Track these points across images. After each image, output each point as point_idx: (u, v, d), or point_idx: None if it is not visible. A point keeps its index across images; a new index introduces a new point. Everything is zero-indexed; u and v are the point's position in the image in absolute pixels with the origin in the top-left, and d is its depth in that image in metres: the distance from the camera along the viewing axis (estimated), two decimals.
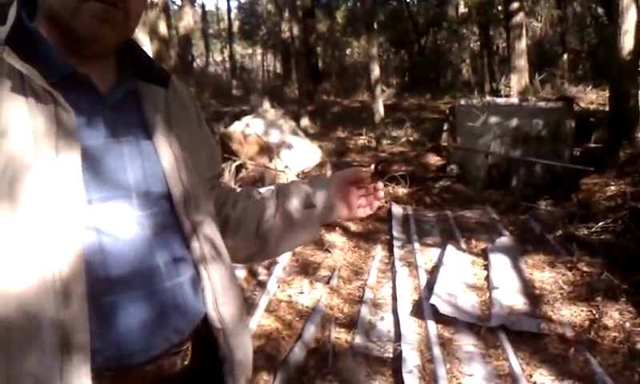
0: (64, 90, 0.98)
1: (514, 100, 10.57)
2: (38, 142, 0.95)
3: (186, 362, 1.12)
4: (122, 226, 1.02)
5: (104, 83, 1.08)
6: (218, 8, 33.47)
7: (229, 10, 29.94)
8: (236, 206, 1.37)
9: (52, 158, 0.95)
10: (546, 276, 5.04)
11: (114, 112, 1.07)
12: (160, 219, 1.09)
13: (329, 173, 9.26)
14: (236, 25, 31.53)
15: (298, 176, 9.21)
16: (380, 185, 1.45)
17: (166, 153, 1.12)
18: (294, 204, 1.38)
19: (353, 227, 6.52)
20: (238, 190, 1.44)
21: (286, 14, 18.18)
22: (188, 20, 15.32)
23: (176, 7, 20.42)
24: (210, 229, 1.19)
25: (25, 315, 0.91)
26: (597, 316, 4.20)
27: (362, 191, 1.45)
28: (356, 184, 1.44)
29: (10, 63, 0.95)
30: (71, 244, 0.94)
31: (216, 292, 1.16)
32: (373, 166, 10.32)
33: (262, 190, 1.46)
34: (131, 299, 1.01)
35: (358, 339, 3.99)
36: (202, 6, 30.07)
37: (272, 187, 1.45)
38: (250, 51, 34.40)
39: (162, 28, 9.71)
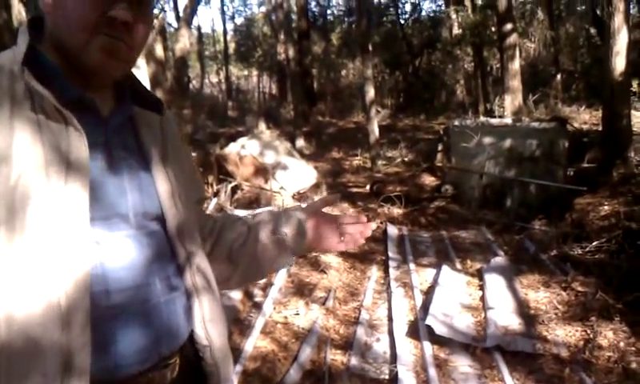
0: (72, 112, 1.02)
1: (508, 120, 10.64)
2: (48, 161, 0.98)
3: (174, 375, 1.16)
4: (121, 245, 1.06)
5: (104, 108, 1.13)
6: (214, 30, 33.73)
7: (225, 32, 30.16)
8: (212, 230, 1.41)
9: (61, 177, 0.99)
10: (541, 296, 5.06)
11: (114, 135, 1.12)
12: (155, 241, 1.13)
13: (324, 193, 9.30)
14: (232, 47, 31.71)
15: (293, 197, 9.23)
16: (372, 225, 1.44)
17: (161, 176, 1.17)
18: (265, 231, 1.40)
19: None
20: (219, 215, 1.48)
21: (282, 36, 18.30)
22: (184, 42, 15.36)
23: (172, 29, 20.53)
24: (201, 256, 1.25)
25: (28, 339, 0.93)
26: (591, 336, 4.22)
27: (347, 222, 1.43)
28: (335, 218, 1.43)
29: (27, 84, 1.00)
30: (76, 264, 0.98)
31: (204, 312, 1.21)
32: (368, 187, 10.37)
33: (242, 215, 1.50)
34: (127, 316, 1.05)
35: (354, 360, 4.00)
36: (199, 28, 30.18)
37: (250, 214, 1.48)
38: (245, 73, 34.51)
39: (159, 50, 9.80)
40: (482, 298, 4.99)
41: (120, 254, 1.06)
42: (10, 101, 0.99)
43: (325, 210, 1.47)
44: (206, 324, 1.21)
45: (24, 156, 0.97)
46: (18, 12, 10.96)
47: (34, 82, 1.00)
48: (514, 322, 4.52)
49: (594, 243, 5.97)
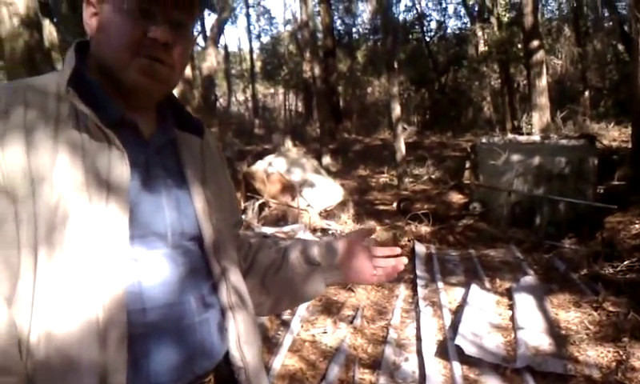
0: (114, 132, 1.06)
1: (536, 138, 10.56)
2: (90, 180, 1.01)
3: None
4: (158, 263, 1.09)
5: (146, 129, 1.16)
6: (240, 49, 33.98)
7: (251, 51, 30.42)
8: (247, 256, 1.43)
9: (102, 197, 1.02)
10: (572, 316, 4.99)
11: (155, 156, 1.15)
12: (191, 260, 1.15)
13: (351, 211, 9.31)
14: (258, 65, 31.98)
15: (320, 214, 9.25)
16: (404, 259, 1.42)
17: (199, 198, 1.19)
18: (299, 259, 1.42)
19: None
20: (254, 240, 1.47)
21: (308, 55, 18.41)
22: (211, 61, 15.57)
23: (199, 48, 20.76)
24: (236, 274, 1.26)
25: (66, 357, 0.96)
26: (624, 357, 4.15)
27: (381, 255, 1.42)
28: (369, 250, 1.42)
29: (72, 104, 1.04)
30: (114, 282, 1.00)
31: (240, 332, 1.22)
32: (395, 205, 10.34)
33: (275, 241, 1.50)
34: (162, 334, 1.06)
35: (383, 380, 3.98)
36: (225, 47, 30.45)
37: (286, 242, 1.48)
38: (271, 91, 34.78)
39: (187, 69, 9.92)
40: (512, 318, 4.94)
41: (157, 272, 1.08)
42: (55, 122, 1.02)
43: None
44: (242, 345, 1.22)
45: (66, 175, 1.00)
46: (49, 33, 11.19)
47: (79, 102, 1.04)
48: (545, 342, 4.47)
49: (625, 262, 5.88)
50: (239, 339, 1.21)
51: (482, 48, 21.21)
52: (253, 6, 29.88)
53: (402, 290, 5.91)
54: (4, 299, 0.95)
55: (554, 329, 4.71)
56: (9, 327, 0.94)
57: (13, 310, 0.96)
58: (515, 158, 9.31)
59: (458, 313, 5.08)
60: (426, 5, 26.09)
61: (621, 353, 4.23)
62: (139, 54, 1.08)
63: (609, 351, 4.31)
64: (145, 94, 1.13)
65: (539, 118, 13.53)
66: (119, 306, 1.00)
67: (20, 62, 6.44)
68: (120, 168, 1.04)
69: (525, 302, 5.18)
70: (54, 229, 0.97)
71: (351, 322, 5.02)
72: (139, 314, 1.04)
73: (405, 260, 1.42)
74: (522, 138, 10.71)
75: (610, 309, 4.98)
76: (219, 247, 1.21)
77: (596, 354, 4.28)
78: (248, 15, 29.54)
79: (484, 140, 10.72)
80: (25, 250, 0.97)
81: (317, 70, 15.67)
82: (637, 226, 6.96)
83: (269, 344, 4.47)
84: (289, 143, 14.89)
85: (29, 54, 6.44)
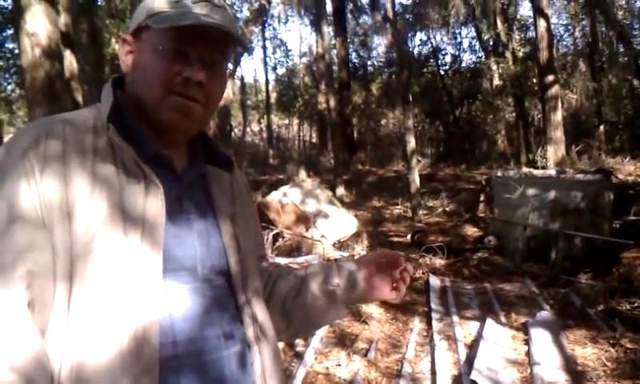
0: (150, 168, 1.09)
1: (552, 172, 10.53)
2: (126, 214, 1.04)
3: None
4: (188, 297, 1.10)
5: (179, 164, 1.20)
6: (256, 80, 34.31)
7: (267, 82, 30.68)
8: (267, 283, 1.43)
9: (138, 231, 1.04)
10: (588, 352, 4.94)
11: (186, 191, 1.18)
12: (218, 294, 1.17)
13: (365, 242, 9.29)
14: (273, 96, 32.24)
15: (334, 245, 9.24)
16: (409, 268, 1.43)
17: (227, 233, 1.21)
18: (318, 283, 1.42)
19: None
20: (273, 267, 1.49)
21: (323, 87, 18.55)
22: (228, 92, 15.73)
23: None
24: (261, 307, 1.28)
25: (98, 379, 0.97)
26: None
27: (395, 274, 1.42)
28: (387, 266, 1.43)
29: (110, 139, 1.08)
30: (147, 314, 1.02)
31: (264, 366, 1.22)
32: (409, 237, 10.32)
33: (294, 267, 1.52)
34: (189, 367, 1.07)
35: None
36: (241, 79, 30.78)
37: (304, 268, 1.49)
38: (286, 121, 35.02)
39: None
40: (528, 353, 4.89)
41: (186, 305, 1.09)
42: (92, 156, 1.05)
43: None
44: (267, 379, 1.22)
45: (102, 209, 1.02)
46: (70, 63, 11.39)
47: (117, 137, 1.08)
48: (561, 379, 4.41)
49: None
50: (264, 373, 1.22)
51: (496, 82, 21.26)
52: (269, 39, 30.18)
53: (417, 323, 5.88)
54: (38, 330, 0.96)
55: (570, 365, 4.65)
56: (43, 358, 0.95)
57: (45, 341, 0.97)
58: (531, 191, 9.29)
59: (473, 347, 5.03)
60: (441, 39, 26.20)
61: None
62: (173, 93, 1.11)
63: None
64: (178, 131, 1.17)
65: (554, 152, 13.51)
66: (151, 339, 1.01)
67: (40, 91, 6.55)
68: (156, 203, 1.07)
69: (541, 337, 5.13)
70: (89, 262, 0.99)
71: (365, 355, 4.99)
72: (170, 347, 1.05)
73: (410, 268, 1.43)
74: (538, 172, 10.69)
75: (628, 345, 4.92)
76: (246, 281, 1.23)
77: None
78: (264, 47, 29.82)
79: (499, 173, 10.72)
80: (60, 281, 0.99)
81: (332, 102, 15.77)
82: None
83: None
84: (303, 174, 14.94)
85: (49, 84, 6.55)
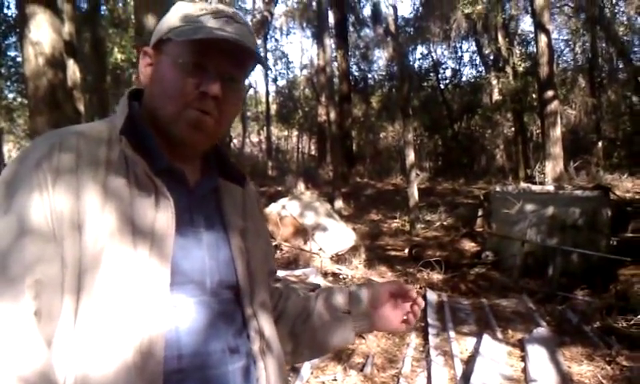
0: (162, 180, 1.10)
1: (550, 188, 10.56)
2: (135, 227, 1.05)
3: None
4: (195, 311, 1.11)
5: (192, 178, 1.20)
6: (256, 91, 34.29)
7: (267, 94, 30.74)
8: (277, 305, 1.44)
9: (147, 244, 1.05)
10: (585, 369, 4.94)
11: (198, 205, 1.19)
12: (226, 307, 1.17)
13: (362, 256, 9.30)
14: (273, 108, 32.26)
15: (331, 258, 9.25)
16: (420, 301, 1.43)
17: (237, 247, 1.22)
18: (328, 308, 1.43)
19: None
20: (282, 288, 1.49)
21: (324, 99, 18.61)
22: None
23: None
24: (268, 322, 1.28)
25: None
26: None
27: (406, 307, 1.43)
28: (398, 297, 1.44)
29: (123, 151, 1.09)
30: (154, 327, 1.03)
31: (270, 381, 1.22)
32: (407, 251, 10.33)
33: (305, 291, 1.52)
34: (194, 381, 1.07)
35: None
36: None
37: (313, 291, 1.50)
38: (285, 133, 35.03)
39: None
40: (524, 370, 4.89)
41: (193, 319, 1.10)
42: (105, 169, 1.07)
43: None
44: None
45: (112, 222, 1.03)
46: (73, 72, 11.43)
47: (130, 150, 1.09)
48: None
49: (639, 316, 5.83)
50: None
51: (496, 96, 21.33)
52: (271, 51, 30.27)
53: (413, 339, 5.87)
54: (44, 342, 0.97)
55: (566, 382, 4.65)
56: (48, 369, 0.96)
57: (51, 352, 0.98)
58: (529, 207, 9.31)
59: (469, 363, 5.03)
60: (442, 53, 26.31)
61: None
62: (189, 107, 1.12)
63: None
64: (189, 145, 1.18)
65: (552, 168, 13.54)
66: (156, 352, 1.02)
67: (43, 99, 6.56)
68: (166, 216, 1.08)
69: (537, 354, 5.13)
70: (97, 274, 1.00)
71: (361, 370, 4.98)
72: (174, 361, 1.05)
73: (422, 302, 1.43)
74: (536, 188, 10.72)
75: (624, 363, 4.92)
76: (253, 295, 1.23)
77: None
78: (266, 59, 29.92)
79: (498, 188, 10.75)
80: (67, 293, 1.00)
81: (332, 115, 15.82)
82: None
83: None
84: (301, 186, 14.98)
85: (52, 93, 6.56)
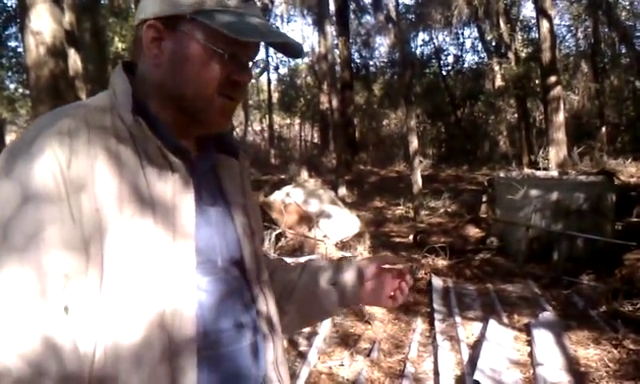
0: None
1: (554, 173, 10.53)
2: (156, 206, 1.03)
3: None
4: (212, 288, 1.11)
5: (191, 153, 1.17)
6: (258, 80, 34.15)
7: (269, 82, 30.64)
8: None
9: (170, 225, 1.04)
10: (591, 353, 4.95)
11: (201, 180, 1.16)
12: (234, 285, 1.17)
13: (367, 242, 9.30)
14: (275, 96, 32.18)
15: (336, 245, 9.25)
16: (408, 279, 1.43)
17: (240, 221, 1.22)
18: (316, 280, 1.42)
19: None
20: (268, 260, 1.46)
21: (325, 87, 18.56)
22: None
23: None
24: (271, 296, 1.29)
25: (135, 368, 0.97)
26: None
27: (394, 283, 1.43)
28: (388, 272, 1.44)
29: (130, 128, 1.05)
30: (183, 305, 1.03)
31: (277, 354, 1.24)
32: (412, 237, 10.32)
33: (292, 262, 1.52)
34: (202, 361, 1.06)
35: None
36: None
37: (301, 262, 1.50)
38: (287, 121, 34.95)
39: None
40: (531, 354, 4.90)
41: (207, 297, 1.09)
42: (116, 141, 1.03)
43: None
44: (278, 366, 1.24)
45: (132, 198, 1.01)
46: (74, 61, 11.40)
47: (147, 130, 1.06)
48: (564, 380, 4.43)
49: None
50: (276, 360, 1.24)
51: (498, 83, 21.24)
52: None
53: (419, 324, 5.89)
54: (64, 309, 0.94)
55: (573, 366, 4.67)
56: (71, 339, 0.94)
57: (74, 321, 0.96)
58: (533, 193, 9.28)
59: (476, 348, 5.04)
60: (444, 39, 26.19)
61: None
62: (220, 94, 1.10)
63: None
64: (217, 129, 1.17)
65: (556, 153, 13.49)
66: (188, 332, 1.02)
67: (44, 89, 6.56)
68: (187, 197, 1.08)
69: (543, 338, 5.14)
70: (119, 249, 0.98)
71: (368, 355, 5.00)
72: (200, 338, 1.05)
73: (406, 289, 1.43)
74: (541, 174, 10.68)
75: (631, 347, 4.93)
76: (259, 272, 1.23)
77: None
78: (267, 47, 29.77)
79: (502, 174, 10.72)
80: (92, 268, 0.97)
81: (334, 102, 15.77)
82: None
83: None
84: (304, 174, 14.95)
85: (53, 82, 6.55)
